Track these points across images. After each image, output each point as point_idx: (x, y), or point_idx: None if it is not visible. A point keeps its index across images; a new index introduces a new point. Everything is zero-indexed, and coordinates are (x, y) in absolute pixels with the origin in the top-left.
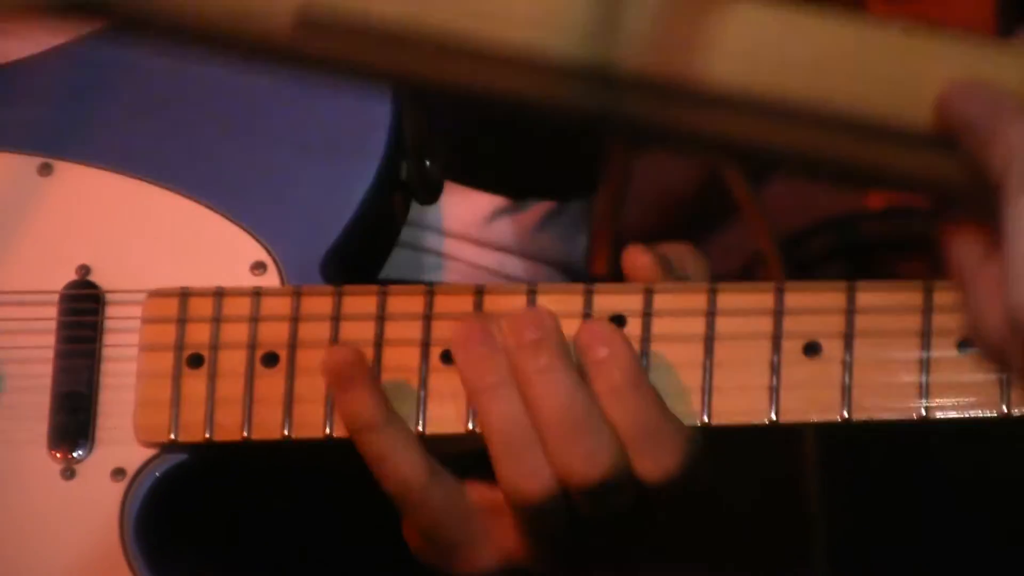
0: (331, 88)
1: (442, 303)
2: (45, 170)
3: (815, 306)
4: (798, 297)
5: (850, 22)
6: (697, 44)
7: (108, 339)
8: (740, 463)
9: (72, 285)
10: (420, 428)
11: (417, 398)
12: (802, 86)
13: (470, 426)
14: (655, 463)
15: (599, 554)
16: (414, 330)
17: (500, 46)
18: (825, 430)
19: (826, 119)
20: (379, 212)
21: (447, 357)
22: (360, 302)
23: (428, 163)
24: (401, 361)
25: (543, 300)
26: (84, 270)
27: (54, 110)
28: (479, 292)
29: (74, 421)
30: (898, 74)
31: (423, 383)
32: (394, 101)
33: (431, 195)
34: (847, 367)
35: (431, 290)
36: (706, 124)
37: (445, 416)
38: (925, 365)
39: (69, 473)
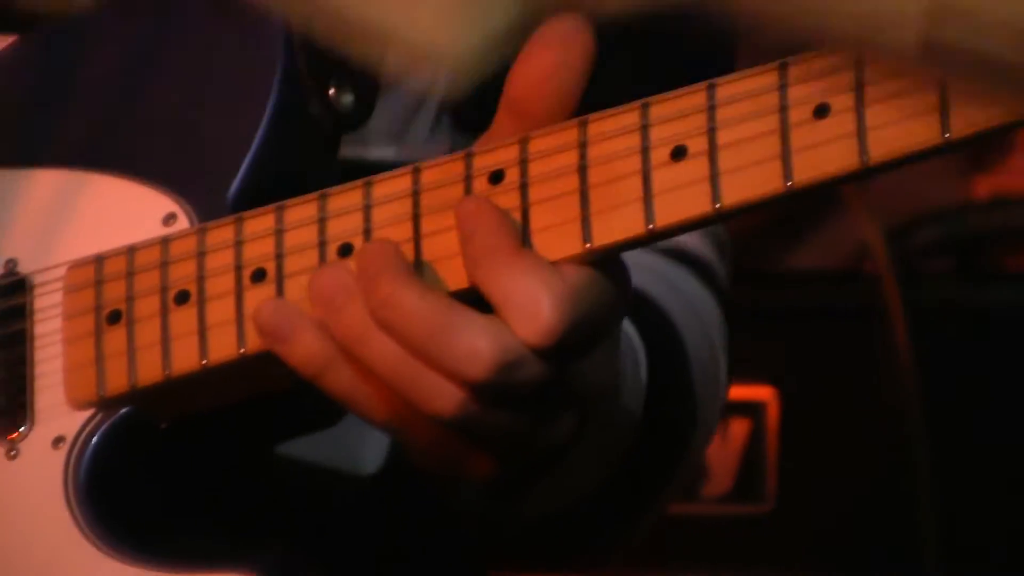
0: (220, 32)
1: (335, 203)
2: None
3: (678, 113)
4: (662, 108)
5: None
6: None
7: (38, 318)
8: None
9: (0, 278)
10: None
11: None
12: None
13: None
14: (533, 326)
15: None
16: (311, 233)
17: None
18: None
19: None
20: (283, 146)
21: (345, 249)
22: (260, 222)
23: (333, 91)
24: (302, 264)
25: (427, 176)
26: (11, 263)
27: None
28: (368, 184)
29: (12, 405)
30: None
31: None
32: (285, 35)
33: (351, 122)
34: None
35: (324, 194)
36: None
37: None
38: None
39: (14, 453)
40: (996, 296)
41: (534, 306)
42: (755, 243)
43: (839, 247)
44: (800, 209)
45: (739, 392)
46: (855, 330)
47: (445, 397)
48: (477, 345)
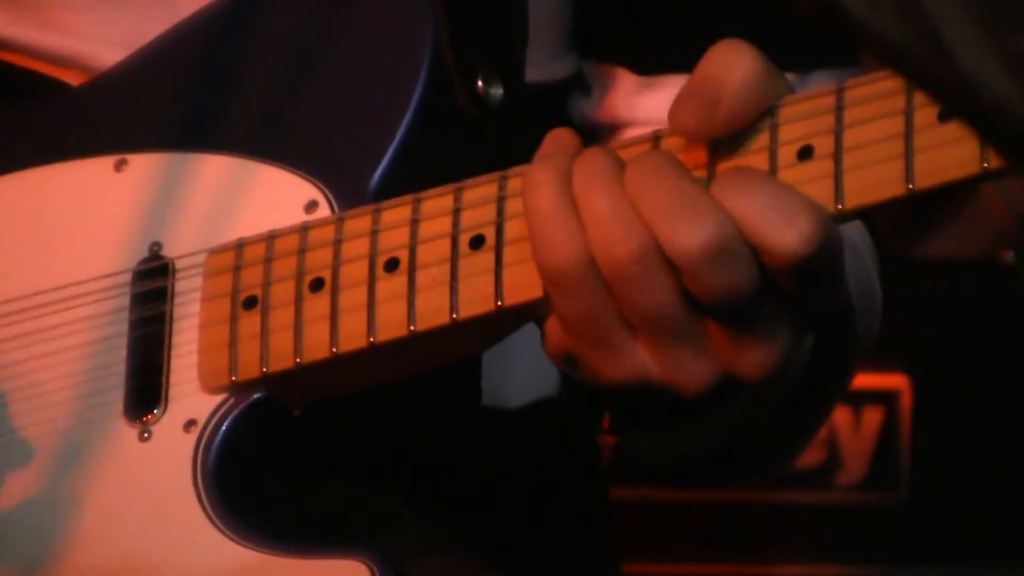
0: (367, 23)
1: (470, 195)
2: (120, 165)
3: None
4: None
5: None
6: None
7: (178, 302)
8: None
9: (144, 261)
10: (499, 303)
11: (449, 286)
12: None
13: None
14: (786, 235)
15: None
16: (446, 224)
17: None
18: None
19: None
20: (426, 138)
21: (476, 241)
22: (397, 212)
23: (480, 83)
24: (434, 255)
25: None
26: (156, 247)
27: (124, 111)
28: (503, 177)
29: (148, 386)
30: None
31: (455, 269)
32: (432, 27)
33: (498, 114)
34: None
35: (460, 186)
36: None
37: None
38: None
39: (146, 435)
40: None
41: (792, 216)
42: (890, 230)
43: (974, 235)
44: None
45: (873, 380)
46: (989, 319)
47: (662, 292)
48: (702, 220)
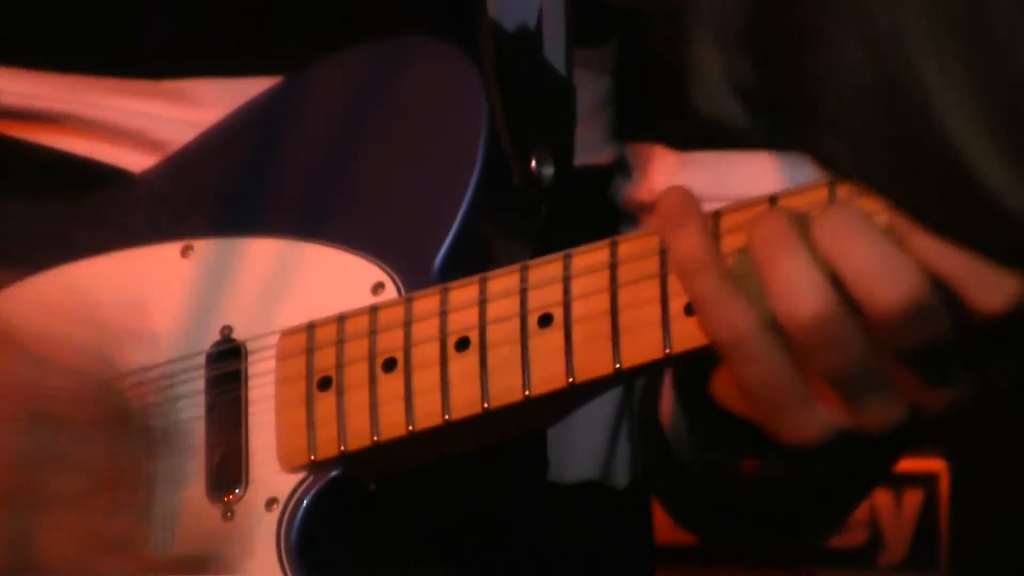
0: (424, 104)
1: (536, 274)
2: (187, 251)
3: None
4: None
5: None
6: None
7: (252, 384)
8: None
9: (216, 344)
10: (570, 379)
11: (521, 365)
12: None
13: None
14: (993, 293)
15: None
16: (514, 304)
17: None
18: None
19: None
20: (486, 217)
21: (545, 320)
22: (465, 292)
23: (535, 162)
24: (504, 334)
25: (623, 248)
26: (227, 330)
27: (187, 197)
28: (567, 256)
29: (228, 467)
30: None
31: (525, 348)
32: (488, 108)
33: (552, 193)
34: None
35: (525, 265)
36: None
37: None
38: None
39: (229, 515)
40: None
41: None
42: None
43: None
44: None
45: (912, 464)
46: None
47: (852, 345)
48: (905, 280)
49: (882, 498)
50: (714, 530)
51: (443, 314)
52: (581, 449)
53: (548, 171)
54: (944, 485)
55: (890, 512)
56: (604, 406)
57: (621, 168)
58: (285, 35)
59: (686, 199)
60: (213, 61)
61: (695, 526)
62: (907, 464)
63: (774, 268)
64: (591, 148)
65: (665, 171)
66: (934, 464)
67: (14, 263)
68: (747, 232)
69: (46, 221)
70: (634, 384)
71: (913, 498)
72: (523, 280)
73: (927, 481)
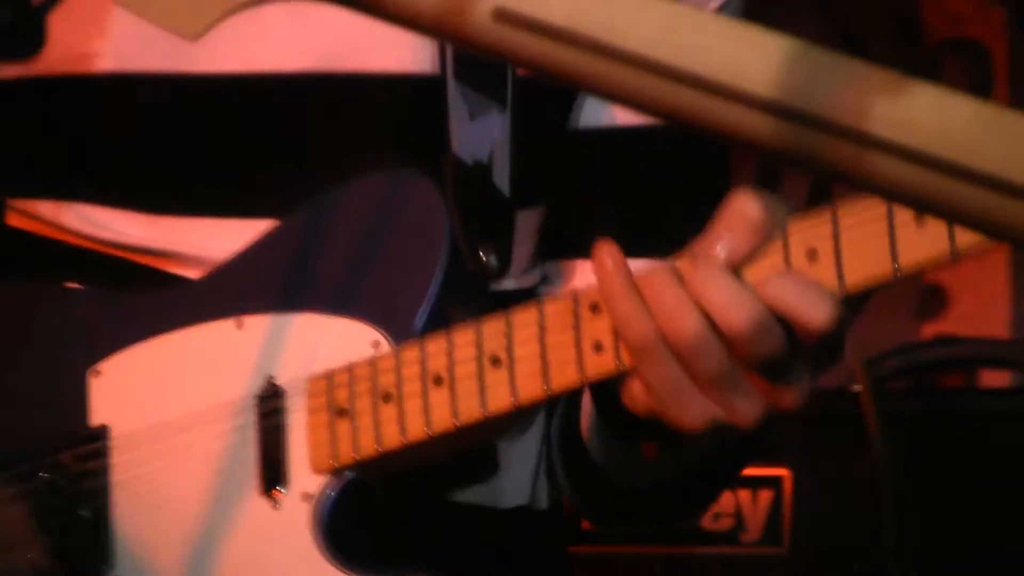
0: (405, 219)
1: (486, 329)
2: (240, 324)
3: None
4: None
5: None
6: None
7: (290, 415)
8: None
9: (264, 388)
10: (515, 402)
11: (479, 394)
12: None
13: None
14: (815, 315)
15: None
16: (472, 350)
17: (695, 76)
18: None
19: (970, 176)
20: (450, 291)
21: (495, 360)
22: (437, 343)
23: (482, 255)
24: (466, 372)
25: (548, 308)
26: (271, 378)
27: (238, 287)
28: (508, 314)
29: (274, 472)
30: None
31: (482, 381)
32: (448, 223)
33: (494, 275)
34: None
35: (479, 321)
36: (874, 168)
37: (529, 389)
38: None
39: (277, 506)
40: (941, 406)
41: (819, 303)
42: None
43: (835, 372)
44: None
45: (764, 471)
46: (843, 430)
47: (716, 359)
48: (747, 308)
49: (743, 495)
50: (618, 516)
51: (423, 360)
52: (513, 482)
53: (493, 261)
54: (788, 486)
55: (749, 504)
56: (530, 446)
57: (546, 281)
58: (292, 181)
59: (615, 251)
60: (257, 204)
61: (602, 516)
62: (760, 470)
63: (661, 304)
64: (522, 274)
65: (586, 278)
66: (781, 471)
67: (125, 339)
68: (642, 282)
69: (140, 309)
70: (551, 428)
71: (766, 495)
72: (478, 333)
73: (776, 482)
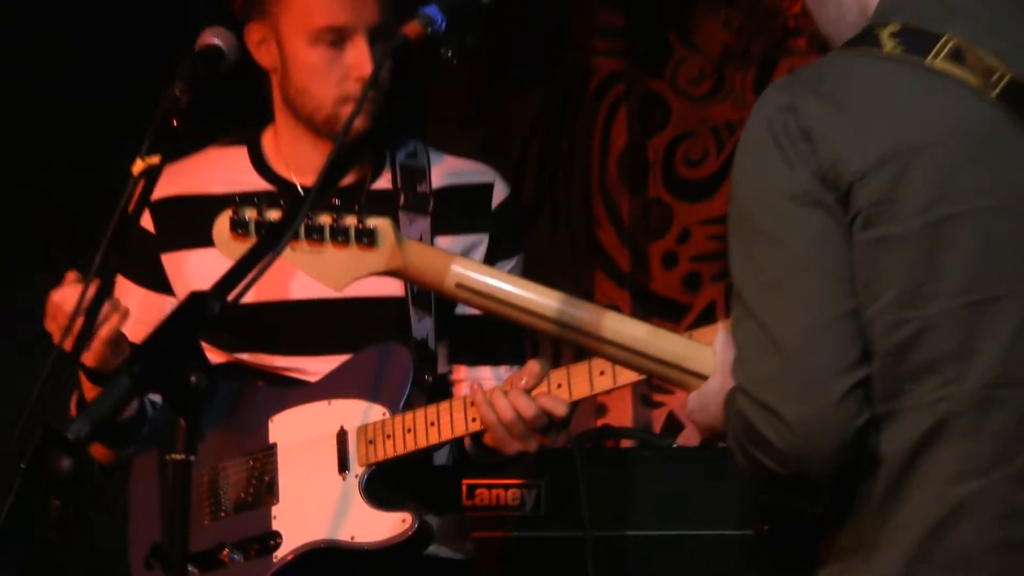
0: (390, 365)
1: (429, 412)
2: (329, 404)
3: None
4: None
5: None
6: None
7: (350, 444)
8: None
9: (339, 432)
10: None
11: (437, 432)
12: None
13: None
14: (560, 411)
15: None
16: (422, 414)
17: (541, 315)
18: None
19: (646, 356)
20: (415, 391)
21: (431, 423)
22: (412, 414)
23: (430, 379)
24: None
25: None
26: (343, 428)
27: (321, 387)
28: (438, 407)
29: (344, 463)
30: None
31: (439, 427)
32: (413, 368)
33: (429, 385)
34: None
35: (426, 409)
36: (602, 350)
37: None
38: None
39: (346, 478)
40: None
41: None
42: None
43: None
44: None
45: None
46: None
47: (519, 438)
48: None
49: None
50: (474, 468)
51: (410, 418)
52: (441, 454)
53: (429, 379)
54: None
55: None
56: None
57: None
58: (347, 344)
59: (479, 393)
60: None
61: (467, 469)
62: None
63: (497, 407)
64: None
65: (464, 374)
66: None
67: (282, 407)
68: (490, 397)
69: (288, 394)
70: (453, 444)
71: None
72: (427, 415)
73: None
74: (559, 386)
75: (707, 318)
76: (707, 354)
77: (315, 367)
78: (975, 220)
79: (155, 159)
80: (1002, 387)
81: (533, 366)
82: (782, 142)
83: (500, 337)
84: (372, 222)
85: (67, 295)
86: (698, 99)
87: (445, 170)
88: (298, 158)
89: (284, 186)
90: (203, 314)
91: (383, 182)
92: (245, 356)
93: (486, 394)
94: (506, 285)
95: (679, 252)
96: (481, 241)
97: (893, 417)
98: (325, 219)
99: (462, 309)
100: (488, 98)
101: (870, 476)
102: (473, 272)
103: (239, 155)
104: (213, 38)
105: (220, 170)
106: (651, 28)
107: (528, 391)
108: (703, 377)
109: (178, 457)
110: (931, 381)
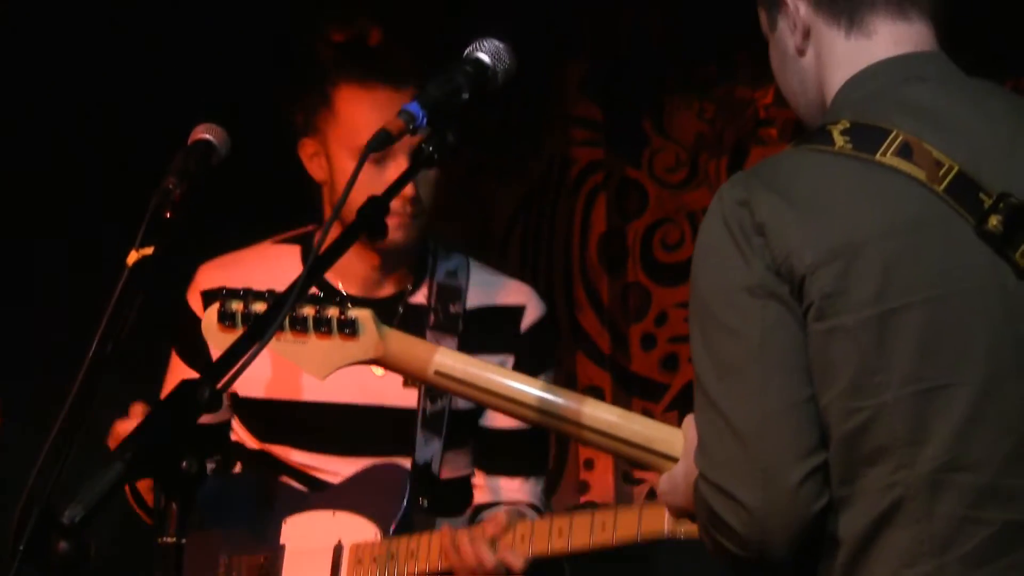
0: (386, 476)
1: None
2: (333, 514)
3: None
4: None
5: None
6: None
7: (343, 558)
8: None
9: (336, 545)
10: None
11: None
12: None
13: None
14: (517, 565)
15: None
16: (416, 540)
17: (520, 402)
18: None
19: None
20: (408, 512)
21: (412, 554)
22: (402, 539)
23: (426, 504)
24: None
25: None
26: (340, 542)
27: (333, 496)
28: (430, 534)
29: (336, 571)
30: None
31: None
32: (407, 476)
33: (424, 507)
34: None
35: (420, 534)
36: (580, 435)
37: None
38: None
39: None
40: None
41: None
42: None
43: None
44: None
45: None
46: None
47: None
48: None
49: None
50: None
51: (398, 543)
52: None
53: (424, 504)
54: None
55: None
56: None
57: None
58: (354, 450)
59: (448, 543)
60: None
61: None
62: None
63: (462, 555)
64: (461, 468)
65: (482, 481)
66: None
67: (297, 510)
68: (458, 543)
69: (304, 497)
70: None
71: None
72: (410, 545)
73: None
74: (522, 539)
75: (685, 397)
76: (676, 437)
77: (330, 466)
78: (923, 310)
79: (149, 250)
80: (952, 471)
81: (500, 517)
82: (737, 237)
83: (521, 452)
84: (353, 313)
85: (132, 428)
86: (674, 186)
87: (481, 289)
88: (343, 265)
89: (329, 290)
90: (193, 401)
91: (420, 296)
92: (272, 447)
93: (453, 538)
94: (486, 373)
95: (657, 334)
96: (506, 361)
97: (850, 500)
98: (308, 311)
99: (486, 421)
100: (471, 185)
101: (829, 556)
102: (453, 361)
103: (292, 254)
104: (205, 133)
105: (271, 268)
106: (627, 119)
107: (492, 541)
108: (673, 459)
109: (169, 540)
110: (885, 466)
